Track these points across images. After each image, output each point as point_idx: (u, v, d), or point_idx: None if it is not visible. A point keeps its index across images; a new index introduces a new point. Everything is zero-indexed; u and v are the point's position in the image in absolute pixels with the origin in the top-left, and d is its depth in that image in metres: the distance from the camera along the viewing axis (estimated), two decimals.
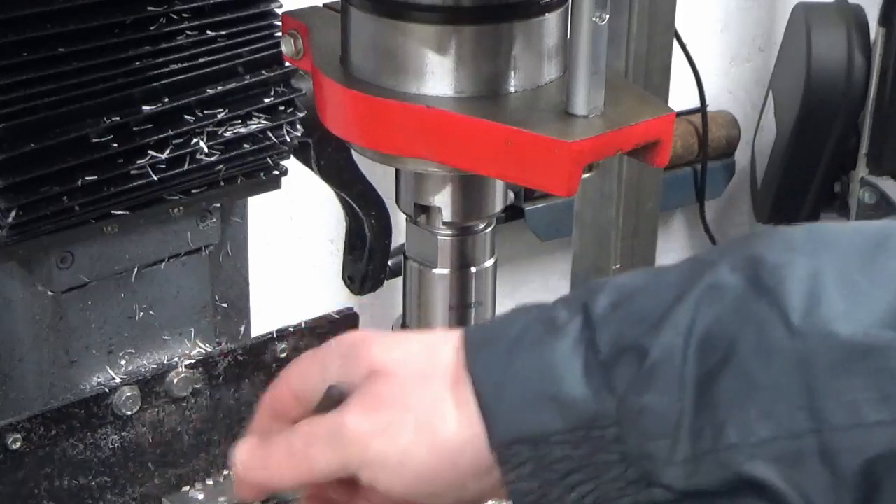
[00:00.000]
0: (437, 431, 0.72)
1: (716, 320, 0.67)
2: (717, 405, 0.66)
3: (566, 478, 0.69)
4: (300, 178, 1.23)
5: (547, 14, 0.90)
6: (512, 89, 0.90)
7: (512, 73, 0.90)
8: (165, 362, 1.20)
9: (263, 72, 1.16)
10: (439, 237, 0.98)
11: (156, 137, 1.09)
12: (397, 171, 0.98)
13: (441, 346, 0.75)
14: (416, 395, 0.74)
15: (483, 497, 0.74)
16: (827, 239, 0.69)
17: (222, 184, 1.16)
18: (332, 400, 0.76)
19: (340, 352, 0.78)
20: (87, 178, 1.06)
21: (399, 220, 1.09)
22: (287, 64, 1.15)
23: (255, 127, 1.15)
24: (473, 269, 1.00)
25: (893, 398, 0.63)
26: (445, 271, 0.99)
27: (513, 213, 2.31)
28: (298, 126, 1.18)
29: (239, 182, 1.18)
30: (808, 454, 0.64)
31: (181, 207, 1.15)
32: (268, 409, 0.81)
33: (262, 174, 1.19)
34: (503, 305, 1.03)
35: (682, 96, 2.41)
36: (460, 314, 1.00)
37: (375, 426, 0.73)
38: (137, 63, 1.08)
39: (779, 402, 0.65)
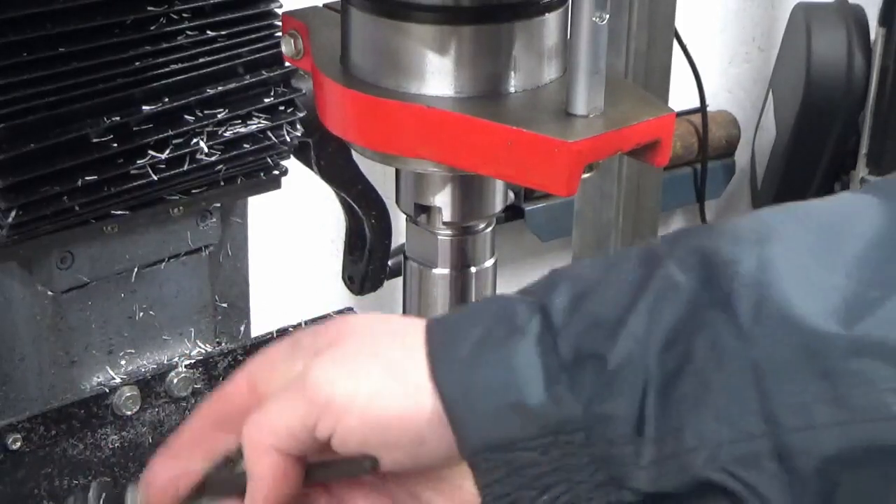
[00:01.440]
0: (408, 375, 0.72)
1: (671, 326, 0.67)
2: (676, 411, 0.66)
3: (537, 481, 0.69)
4: (300, 178, 1.23)
5: (547, 14, 0.90)
6: (512, 89, 0.90)
7: (512, 73, 0.90)
8: (165, 362, 1.20)
9: (263, 72, 1.16)
10: (439, 237, 0.98)
11: (156, 137, 1.09)
12: (397, 171, 0.98)
13: (409, 327, 0.75)
14: (386, 345, 0.74)
15: (433, 461, 0.73)
16: (777, 227, 0.69)
17: (222, 184, 1.16)
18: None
19: (309, 332, 0.76)
20: (87, 178, 1.06)
21: (399, 220, 1.09)
22: (287, 64, 1.15)
23: (255, 127, 1.15)
24: (473, 269, 1.00)
25: (843, 399, 0.63)
26: (445, 271, 0.99)
27: (513, 213, 2.31)
28: (298, 126, 1.18)
29: (239, 182, 1.18)
30: (764, 456, 0.64)
31: (181, 207, 1.15)
32: (210, 413, 0.78)
33: (262, 174, 1.19)
34: None
35: (682, 96, 2.41)
36: None
37: (342, 371, 0.73)
38: (137, 63, 1.08)
39: (733, 406, 0.65)
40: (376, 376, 0.73)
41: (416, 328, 0.74)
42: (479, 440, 0.70)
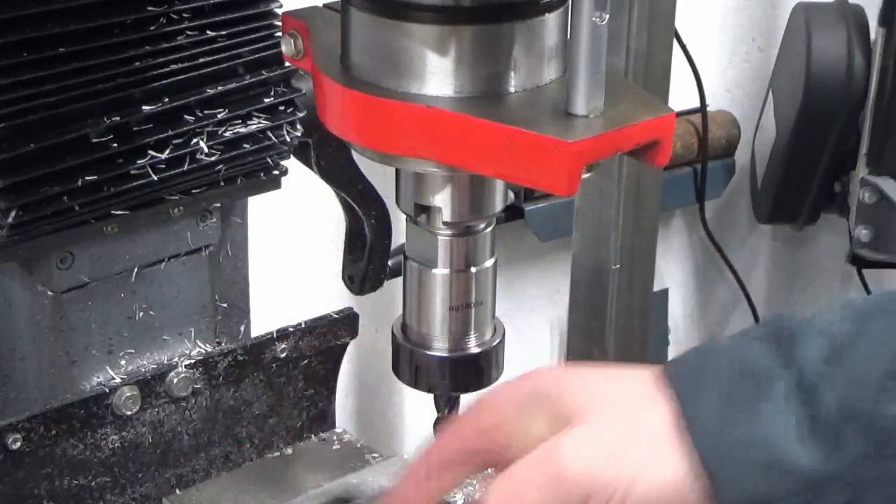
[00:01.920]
0: (659, 443, 0.73)
1: None
2: None
3: None
4: (300, 178, 1.23)
5: (547, 14, 0.90)
6: (512, 89, 0.90)
7: (512, 73, 0.89)
8: (165, 362, 1.20)
9: (263, 72, 1.16)
10: (439, 237, 0.98)
11: (156, 137, 1.09)
12: (397, 171, 0.98)
13: (644, 387, 0.75)
14: (632, 416, 0.74)
15: None
16: None
17: (222, 184, 1.16)
18: None
19: (539, 390, 0.77)
20: (87, 178, 1.06)
21: (399, 220, 1.09)
22: (287, 64, 1.15)
23: (255, 127, 1.15)
24: (473, 269, 0.99)
25: None
26: (445, 271, 0.99)
27: (513, 213, 2.31)
28: (298, 126, 1.18)
29: (239, 182, 1.18)
30: None
31: (181, 207, 1.15)
32: (453, 443, 0.80)
33: (262, 174, 1.19)
34: (503, 305, 1.04)
35: (682, 96, 2.41)
36: (460, 314, 1.00)
37: (598, 452, 0.74)
38: (137, 63, 1.08)
39: None
40: (633, 455, 0.73)
41: (652, 389, 0.74)
42: (735, 498, 0.70)
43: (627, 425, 0.75)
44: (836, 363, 0.70)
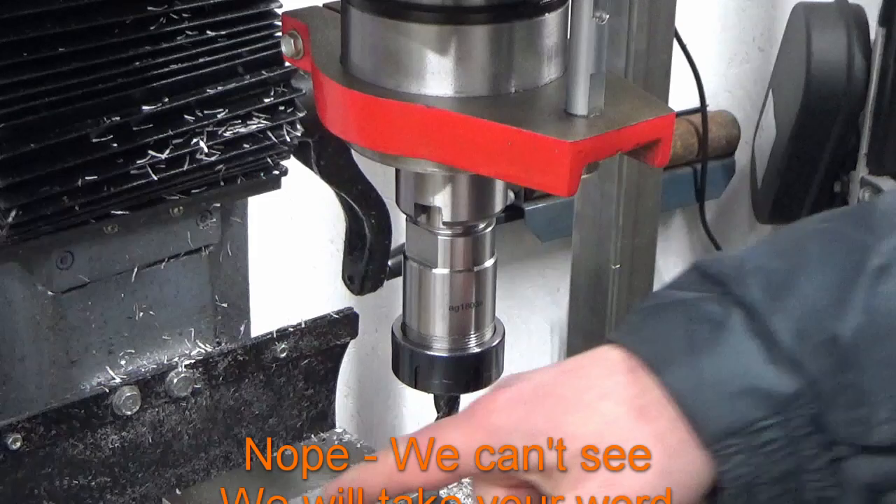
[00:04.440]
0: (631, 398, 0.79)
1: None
2: None
3: (772, 456, 0.76)
4: (300, 178, 1.23)
5: (547, 14, 0.90)
6: (512, 89, 0.90)
7: (512, 73, 0.89)
8: (165, 362, 1.20)
9: (263, 72, 1.16)
10: (439, 237, 0.98)
11: (156, 137, 1.09)
12: (397, 171, 0.98)
13: (602, 356, 0.82)
14: (586, 381, 0.81)
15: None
16: None
17: (222, 184, 1.16)
18: None
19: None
20: (87, 178, 1.06)
21: (399, 220, 1.09)
22: (287, 64, 1.15)
23: (255, 127, 1.15)
24: (473, 269, 0.99)
25: None
26: (445, 271, 0.99)
27: (513, 213, 2.31)
28: (298, 126, 1.18)
29: (239, 182, 1.18)
30: None
31: (181, 207, 1.15)
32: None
33: (262, 174, 1.19)
34: (503, 305, 1.04)
35: (682, 96, 2.41)
36: (460, 314, 1.00)
37: (527, 402, 0.80)
38: (137, 63, 1.08)
39: None
40: (580, 405, 0.79)
41: (610, 354, 0.81)
42: (720, 428, 0.76)
43: (571, 372, 0.81)
44: (779, 297, 0.77)
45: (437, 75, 0.88)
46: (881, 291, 0.75)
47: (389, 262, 1.30)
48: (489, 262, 1.01)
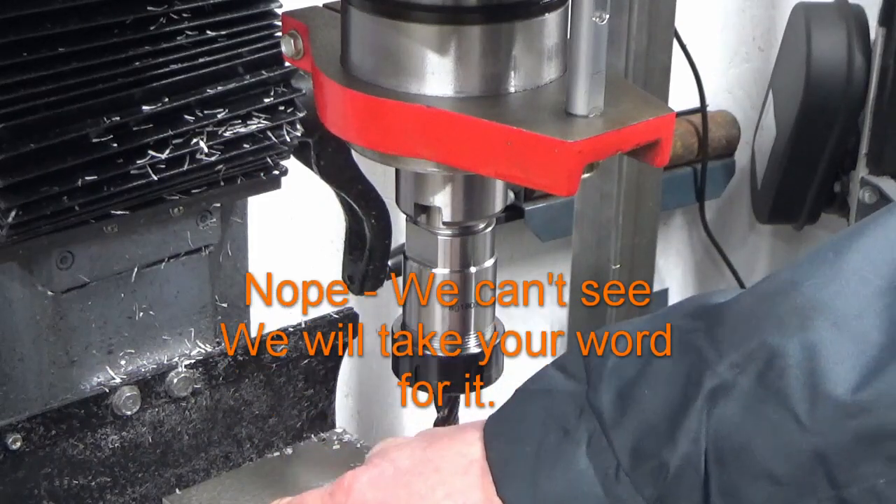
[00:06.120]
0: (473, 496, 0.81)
1: (728, 426, 0.72)
2: None
3: None
4: (300, 178, 1.23)
5: (547, 14, 0.90)
6: (512, 89, 0.90)
7: (512, 73, 0.89)
8: (165, 362, 1.20)
9: (263, 72, 1.16)
10: (439, 237, 0.98)
11: (156, 137, 1.09)
12: (397, 171, 0.98)
13: (462, 439, 0.85)
14: (436, 464, 0.84)
15: None
16: (819, 303, 0.72)
17: (222, 184, 1.16)
18: None
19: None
20: (87, 178, 1.06)
21: (399, 220, 1.09)
22: (287, 64, 1.15)
23: (255, 127, 1.15)
24: (473, 269, 0.99)
25: None
26: (445, 271, 0.99)
27: (513, 213, 2.31)
28: (298, 126, 1.18)
29: (239, 182, 1.18)
30: None
31: (181, 207, 1.15)
32: None
33: (262, 174, 1.19)
34: (503, 305, 1.04)
35: (682, 96, 2.41)
36: (460, 314, 1.00)
37: (388, 481, 0.86)
38: (137, 63, 1.08)
39: (806, 498, 0.70)
40: (428, 488, 0.83)
41: (471, 438, 0.83)
42: None
43: (430, 462, 0.84)
44: (624, 409, 0.77)
45: (437, 75, 0.88)
46: (714, 414, 0.74)
47: (389, 262, 1.30)
48: (489, 262, 1.01)
